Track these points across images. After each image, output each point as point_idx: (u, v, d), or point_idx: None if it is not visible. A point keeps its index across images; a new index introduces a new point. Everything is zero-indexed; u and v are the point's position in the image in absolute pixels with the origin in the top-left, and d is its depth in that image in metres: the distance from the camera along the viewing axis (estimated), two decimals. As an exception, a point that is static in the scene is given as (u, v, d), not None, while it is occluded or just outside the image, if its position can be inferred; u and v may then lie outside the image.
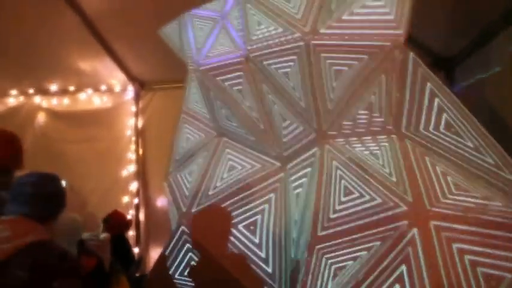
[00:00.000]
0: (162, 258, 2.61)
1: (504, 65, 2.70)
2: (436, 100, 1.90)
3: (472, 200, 1.78)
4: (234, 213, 2.32)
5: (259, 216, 2.29)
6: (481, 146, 1.80)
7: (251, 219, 2.31)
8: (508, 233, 1.68)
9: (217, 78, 2.45)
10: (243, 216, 2.33)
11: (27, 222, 1.83)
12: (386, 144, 2.03)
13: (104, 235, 3.35)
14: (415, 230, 1.78)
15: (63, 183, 4.27)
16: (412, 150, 1.96)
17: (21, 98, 5.01)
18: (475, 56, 3.19)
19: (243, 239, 2.29)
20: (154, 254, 4.44)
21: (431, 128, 1.94)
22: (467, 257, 1.69)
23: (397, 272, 1.75)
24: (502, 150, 1.78)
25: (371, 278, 1.78)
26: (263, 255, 2.21)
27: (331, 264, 1.89)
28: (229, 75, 2.38)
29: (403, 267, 1.74)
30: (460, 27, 3.02)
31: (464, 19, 2.91)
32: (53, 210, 1.97)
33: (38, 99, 4.98)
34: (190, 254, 2.47)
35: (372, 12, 1.94)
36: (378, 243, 1.82)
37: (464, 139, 1.84)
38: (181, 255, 2.51)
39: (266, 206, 2.30)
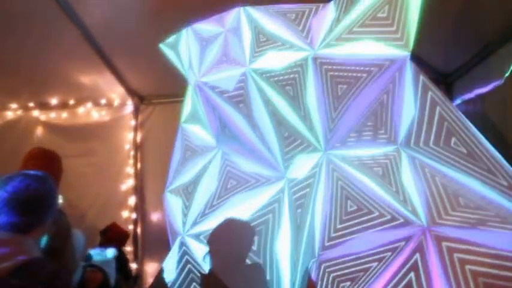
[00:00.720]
0: (161, 273, 2.58)
1: (504, 79, 2.71)
2: (439, 114, 1.89)
3: (476, 213, 1.76)
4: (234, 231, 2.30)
5: (262, 229, 2.27)
6: (493, 167, 1.78)
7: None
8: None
9: (219, 91, 2.45)
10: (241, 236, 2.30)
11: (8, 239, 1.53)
12: (390, 158, 2.02)
13: (110, 250, 3.31)
14: (421, 245, 1.76)
15: (60, 198, 4.25)
16: (414, 164, 1.95)
17: (20, 112, 5.00)
18: (475, 71, 3.21)
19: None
20: (152, 269, 4.38)
21: (432, 143, 1.93)
22: (468, 268, 1.68)
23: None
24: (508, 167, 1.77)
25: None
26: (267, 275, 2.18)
27: (334, 278, 1.87)
28: (230, 89, 2.39)
29: (411, 280, 1.73)
30: (460, 42, 3.04)
31: (464, 34, 2.94)
32: (39, 217, 1.62)
33: (36, 113, 4.96)
34: (189, 268, 2.44)
35: (377, 29, 1.95)
36: (388, 254, 1.80)
37: (476, 159, 1.82)
38: (180, 271, 2.48)
39: (269, 217, 2.28)
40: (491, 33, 2.83)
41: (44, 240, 1.72)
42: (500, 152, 1.81)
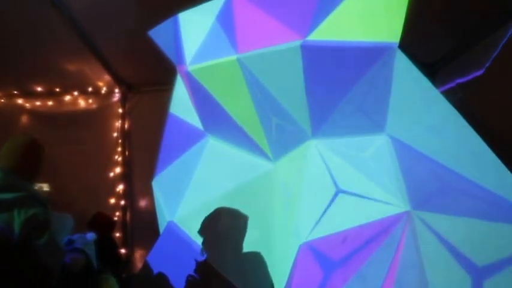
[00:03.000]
0: (150, 259, 2.62)
1: (485, 70, 2.79)
2: (425, 102, 1.96)
3: (460, 199, 1.84)
4: (224, 213, 2.35)
5: (250, 214, 2.32)
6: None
7: (242, 220, 2.33)
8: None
9: (207, 79, 2.46)
10: (233, 216, 2.36)
11: None
12: (378, 144, 2.08)
13: (90, 234, 3.32)
14: (406, 227, 1.84)
15: (44, 187, 4.22)
16: (403, 151, 2.01)
17: (3, 100, 4.93)
18: (456, 61, 3.29)
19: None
20: (141, 254, 4.42)
21: (421, 129, 1.99)
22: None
23: (389, 264, 1.80)
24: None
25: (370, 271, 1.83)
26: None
27: (327, 261, 1.93)
28: (219, 76, 2.40)
29: (397, 264, 1.80)
30: (443, 33, 3.11)
31: (447, 25, 3.00)
32: None
33: (21, 101, 4.90)
34: (179, 255, 2.48)
35: (366, 17, 1.99)
36: (372, 242, 1.88)
37: (455, 142, 1.89)
38: (169, 256, 2.52)
39: (258, 204, 2.33)
40: (473, 25, 2.90)
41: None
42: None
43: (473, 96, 3.04)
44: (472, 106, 3.00)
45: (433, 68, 3.67)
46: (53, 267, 2.07)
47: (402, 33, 1.95)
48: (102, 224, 4.00)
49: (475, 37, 2.97)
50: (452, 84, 3.28)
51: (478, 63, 2.85)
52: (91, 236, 3.28)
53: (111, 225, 4.14)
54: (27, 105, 4.93)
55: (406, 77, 1.96)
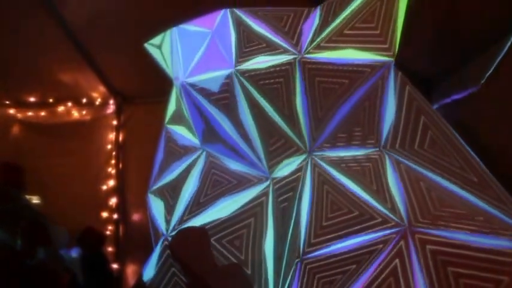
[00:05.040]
0: (143, 275, 2.56)
1: (480, 87, 2.80)
2: (422, 118, 1.96)
3: (457, 215, 1.83)
4: (219, 228, 2.31)
5: (244, 232, 2.28)
6: (466, 166, 1.86)
7: (236, 234, 2.30)
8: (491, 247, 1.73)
9: (203, 93, 2.45)
10: (227, 231, 2.32)
11: None
12: (373, 160, 2.08)
13: (74, 250, 3.28)
14: (402, 244, 1.81)
15: (34, 199, 4.16)
16: (397, 167, 2.01)
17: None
18: (452, 78, 3.30)
19: (227, 254, 2.27)
20: (133, 270, 4.34)
21: (416, 146, 2.00)
22: (450, 269, 1.73)
23: (385, 285, 1.77)
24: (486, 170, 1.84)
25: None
26: (249, 271, 2.19)
27: (319, 279, 1.90)
28: (215, 90, 2.39)
29: (391, 280, 1.78)
30: (439, 49, 3.13)
31: (443, 42, 3.02)
32: None
33: (13, 111, 4.83)
34: (173, 270, 2.43)
35: (363, 33, 2.00)
36: (366, 257, 1.85)
37: (451, 158, 1.90)
38: (163, 272, 2.47)
39: (252, 220, 2.30)
40: (469, 41, 2.92)
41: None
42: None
43: (468, 113, 3.04)
44: (467, 123, 3.00)
45: (429, 83, 3.68)
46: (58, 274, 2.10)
47: (398, 50, 1.96)
48: (91, 240, 3.92)
49: (470, 53, 2.98)
50: (448, 100, 3.29)
51: (474, 79, 2.86)
52: (76, 251, 3.24)
53: (100, 240, 4.06)
54: (19, 115, 4.86)
55: (402, 93, 1.97)
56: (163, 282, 2.42)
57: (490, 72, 2.70)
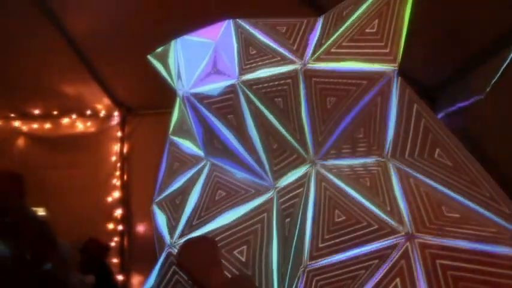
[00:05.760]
0: (147, 286, 2.54)
1: (484, 95, 2.79)
2: (424, 126, 1.95)
3: (459, 223, 1.82)
4: (223, 239, 2.29)
5: (251, 239, 2.27)
6: (476, 179, 1.85)
7: (241, 242, 2.29)
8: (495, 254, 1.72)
9: (207, 103, 2.45)
10: (231, 240, 2.30)
11: None
12: (377, 169, 2.07)
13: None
14: (409, 253, 1.80)
15: (40, 211, 4.18)
16: (400, 175, 2.00)
17: (0, 122, 4.90)
18: (457, 85, 3.30)
19: (231, 265, 2.25)
20: (138, 281, 4.32)
21: (417, 154, 1.99)
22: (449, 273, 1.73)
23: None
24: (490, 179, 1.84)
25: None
26: (256, 282, 2.18)
27: (322, 286, 1.88)
28: (218, 100, 2.39)
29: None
30: (444, 57, 3.13)
31: (447, 50, 3.02)
32: None
33: (17, 124, 4.87)
34: (177, 279, 2.41)
35: (366, 42, 2.00)
36: (374, 262, 1.83)
37: (460, 171, 1.89)
38: (167, 281, 2.45)
39: (256, 229, 2.28)
40: (473, 49, 2.92)
41: None
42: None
43: (473, 121, 3.03)
44: (472, 131, 2.99)
45: (433, 92, 3.67)
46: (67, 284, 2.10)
47: (401, 58, 1.96)
48: (95, 250, 3.90)
49: (474, 61, 2.98)
50: (453, 108, 3.28)
51: (478, 87, 2.85)
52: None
53: (103, 251, 4.04)
54: (24, 127, 4.90)
55: (403, 101, 1.96)
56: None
57: (495, 79, 2.69)
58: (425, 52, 3.09)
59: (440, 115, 3.50)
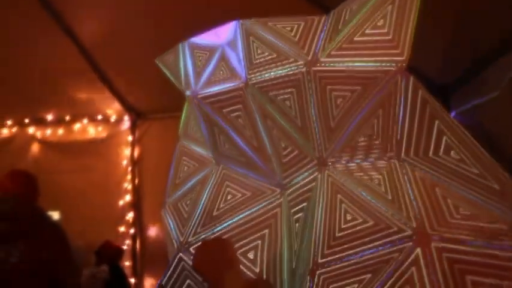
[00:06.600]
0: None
1: (499, 91, 2.73)
2: (437, 124, 1.91)
3: (475, 222, 1.77)
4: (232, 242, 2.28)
5: (259, 243, 2.25)
6: (486, 173, 1.80)
7: (250, 247, 2.27)
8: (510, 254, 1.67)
9: (216, 106, 2.45)
10: (241, 244, 2.29)
11: None
12: (387, 169, 2.03)
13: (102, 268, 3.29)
14: (418, 252, 1.76)
15: (55, 215, 4.23)
16: (412, 175, 1.96)
17: (15, 129, 4.99)
18: (471, 83, 3.23)
19: (241, 267, 2.23)
20: (151, 283, 4.34)
21: (431, 153, 1.95)
22: (468, 278, 1.68)
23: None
24: (506, 176, 1.78)
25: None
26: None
27: (332, 288, 1.85)
28: (227, 103, 2.39)
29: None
30: (457, 54, 3.07)
31: (460, 46, 2.97)
32: None
33: (32, 130, 4.95)
34: (188, 283, 2.41)
35: (374, 39, 1.97)
36: (383, 265, 1.80)
37: (469, 165, 1.85)
38: (179, 285, 2.45)
39: (266, 231, 2.26)
40: (487, 44, 2.86)
41: None
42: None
43: (489, 118, 2.96)
44: (488, 128, 2.92)
45: (447, 89, 3.61)
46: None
47: (411, 54, 1.92)
48: (109, 253, 3.95)
49: (489, 58, 2.92)
50: (467, 106, 3.21)
51: (493, 83, 2.79)
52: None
53: (119, 254, 4.09)
54: (38, 133, 4.97)
55: (415, 98, 1.92)
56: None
57: (511, 75, 2.63)
58: (438, 50, 3.04)
59: (453, 114, 3.44)
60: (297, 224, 2.23)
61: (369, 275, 1.82)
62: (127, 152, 4.72)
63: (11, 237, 1.94)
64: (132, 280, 4.34)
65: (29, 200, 2.34)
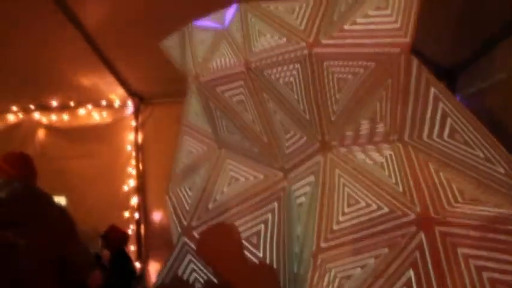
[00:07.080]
0: (164, 273, 2.57)
1: (507, 73, 2.68)
2: (441, 107, 1.88)
3: (480, 207, 1.76)
4: (236, 226, 2.28)
5: (262, 228, 2.25)
6: (492, 156, 1.78)
7: (253, 232, 2.27)
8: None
9: (218, 90, 2.43)
10: (244, 228, 2.29)
11: None
12: (391, 152, 2.01)
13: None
14: (422, 236, 1.75)
15: (62, 199, 4.28)
16: (416, 158, 1.94)
17: (21, 114, 5.02)
18: (477, 65, 3.18)
19: (245, 252, 2.24)
20: (156, 268, 4.40)
21: (435, 136, 1.93)
22: (472, 262, 1.67)
23: (405, 278, 1.71)
24: None
25: (379, 284, 1.74)
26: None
27: (336, 273, 1.85)
28: (230, 86, 2.37)
29: (411, 273, 1.72)
30: (462, 37, 3.02)
31: (466, 29, 2.91)
32: None
33: (37, 116, 4.98)
34: (192, 267, 2.42)
35: (377, 20, 1.94)
36: (385, 250, 1.79)
37: (474, 149, 1.82)
38: (183, 269, 2.47)
39: (269, 216, 2.27)
40: (493, 26, 2.81)
41: None
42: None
43: (495, 100, 2.92)
44: (494, 111, 2.89)
45: (453, 72, 3.57)
46: (85, 267, 2.14)
47: (415, 36, 1.88)
48: (116, 237, 4.00)
49: (495, 39, 2.86)
50: (473, 90, 3.17)
51: (501, 65, 2.74)
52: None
53: (125, 238, 4.13)
54: (44, 119, 5.00)
55: (419, 81, 1.89)
56: (183, 278, 2.42)
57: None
58: (443, 32, 2.98)
59: (459, 97, 3.40)
60: (300, 208, 2.23)
61: (372, 260, 1.82)
62: (131, 137, 4.73)
63: (20, 219, 1.94)
64: (138, 264, 4.40)
65: (28, 181, 2.36)
